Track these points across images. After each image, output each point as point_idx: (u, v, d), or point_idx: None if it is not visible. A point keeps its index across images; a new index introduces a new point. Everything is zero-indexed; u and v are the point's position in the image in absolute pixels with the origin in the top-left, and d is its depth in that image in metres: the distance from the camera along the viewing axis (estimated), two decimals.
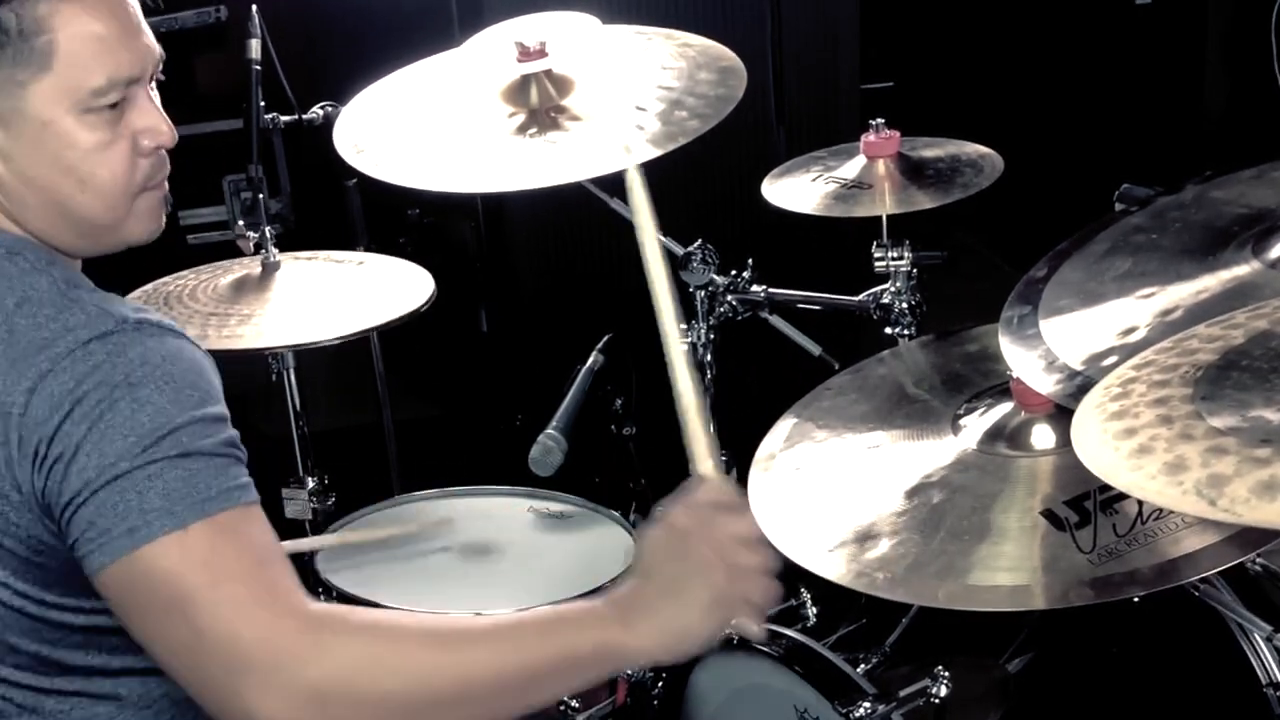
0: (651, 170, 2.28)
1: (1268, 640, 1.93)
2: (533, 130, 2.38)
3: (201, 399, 1.43)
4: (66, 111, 1.50)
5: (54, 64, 1.48)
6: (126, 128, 1.53)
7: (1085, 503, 1.75)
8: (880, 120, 2.45)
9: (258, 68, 2.85)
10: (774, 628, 2.22)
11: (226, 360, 2.28)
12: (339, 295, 2.59)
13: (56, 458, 1.39)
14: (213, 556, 1.38)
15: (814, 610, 2.35)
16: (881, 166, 2.43)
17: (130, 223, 1.57)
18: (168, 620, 1.38)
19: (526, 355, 3.63)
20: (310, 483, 2.82)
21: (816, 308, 2.49)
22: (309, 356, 2.72)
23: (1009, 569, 1.71)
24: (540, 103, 2.41)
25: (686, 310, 2.49)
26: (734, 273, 2.48)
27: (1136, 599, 1.73)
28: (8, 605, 1.47)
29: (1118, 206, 2.11)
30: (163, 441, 1.39)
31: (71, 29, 1.48)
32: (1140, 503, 1.70)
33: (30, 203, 1.52)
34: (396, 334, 2.67)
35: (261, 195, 2.83)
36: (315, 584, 2.43)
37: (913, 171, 2.41)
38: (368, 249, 3.15)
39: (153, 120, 1.55)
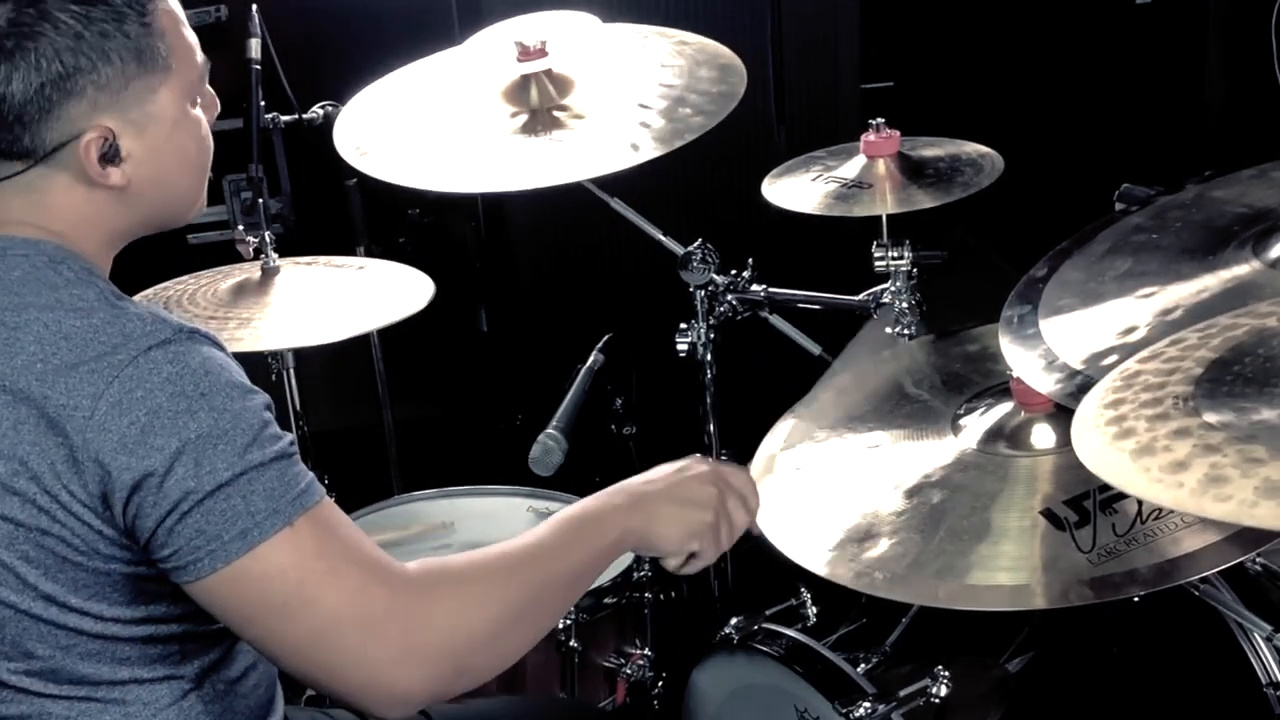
0: (653, 170, 2.30)
1: (1268, 640, 1.93)
2: (537, 128, 2.39)
3: (264, 402, 1.48)
4: (187, 106, 1.59)
5: (173, 63, 1.55)
6: (205, 109, 1.63)
7: (1085, 502, 1.75)
8: (880, 120, 2.44)
9: (258, 68, 2.85)
10: (774, 627, 2.22)
11: None
12: (338, 299, 2.59)
13: (147, 472, 1.41)
14: (322, 546, 1.46)
15: (814, 610, 2.35)
16: (881, 166, 2.42)
17: (201, 201, 1.67)
18: (290, 615, 1.44)
19: (526, 355, 3.63)
20: None
21: (816, 307, 2.49)
22: (309, 357, 2.72)
23: (1009, 568, 1.71)
24: (541, 102, 2.41)
25: (686, 310, 2.50)
26: (734, 272, 2.48)
27: (1136, 598, 1.72)
28: (29, 611, 1.48)
29: (1118, 206, 2.11)
30: (252, 447, 1.44)
31: (174, 26, 1.56)
32: (1139, 502, 1.70)
33: (144, 204, 1.58)
34: (396, 334, 2.67)
35: (262, 196, 2.83)
36: None
37: (913, 171, 2.41)
38: (368, 249, 3.15)
39: (212, 96, 1.65)
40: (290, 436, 1.49)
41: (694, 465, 1.74)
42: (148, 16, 1.52)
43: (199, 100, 1.62)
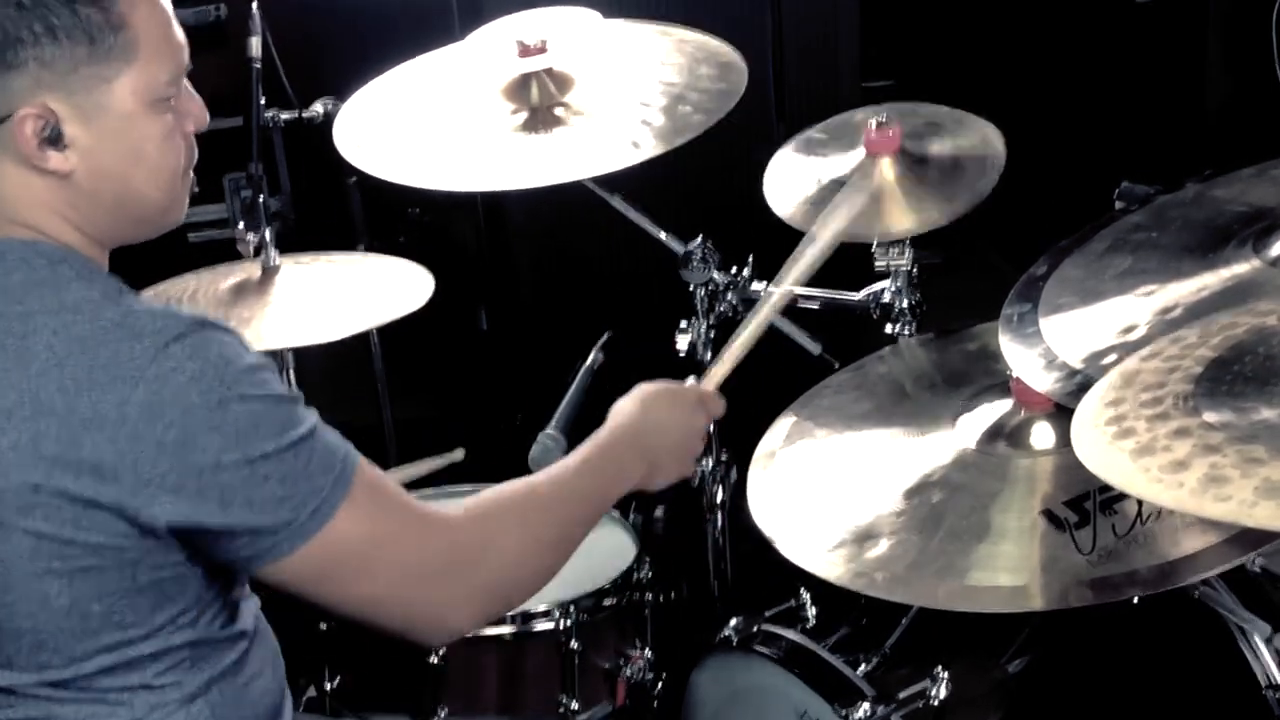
0: (654, 168, 2.30)
1: (1268, 641, 1.93)
2: (537, 126, 2.39)
3: (275, 373, 1.50)
4: (143, 104, 1.53)
5: (137, 57, 1.51)
6: (178, 115, 1.58)
7: (1085, 503, 1.75)
8: (881, 118, 2.43)
9: (258, 66, 2.84)
10: (774, 629, 2.22)
11: None
12: (338, 296, 2.59)
13: (195, 471, 1.42)
14: (379, 507, 1.55)
15: (814, 611, 2.34)
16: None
17: (176, 207, 1.62)
18: (367, 576, 1.53)
19: (526, 355, 3.62)
20: None
21: (816, 306, 2.48)
22: (309, 355, 2.71)
23: (1008, 569, 1.71)
24: (541, 100, 2.41)
25: (686, 309, 2.49)
26: (734, 270, 2.48)
27: (1136, 600, 1.72)
28: (48, 623, 1.48)
29: (1118, 204, 2.11)
30: (290, 424, 1.47)
31: (149, 22, 1.52)
32: (1139, 503, 1.69)
33: (100, 199, 1.54)
34: (396, 332, 2.67)
35: (262, 194, 2.83)
36: None
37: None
38: (368, 247, 3.15)
39: (198, 105, 1.61)
40: (312, 407, 1.53)
41: (682, 397, 1.90)
42: (106, 2, 1.48)
43: (171, 102, 1.56)
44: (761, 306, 2.03)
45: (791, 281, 2.01)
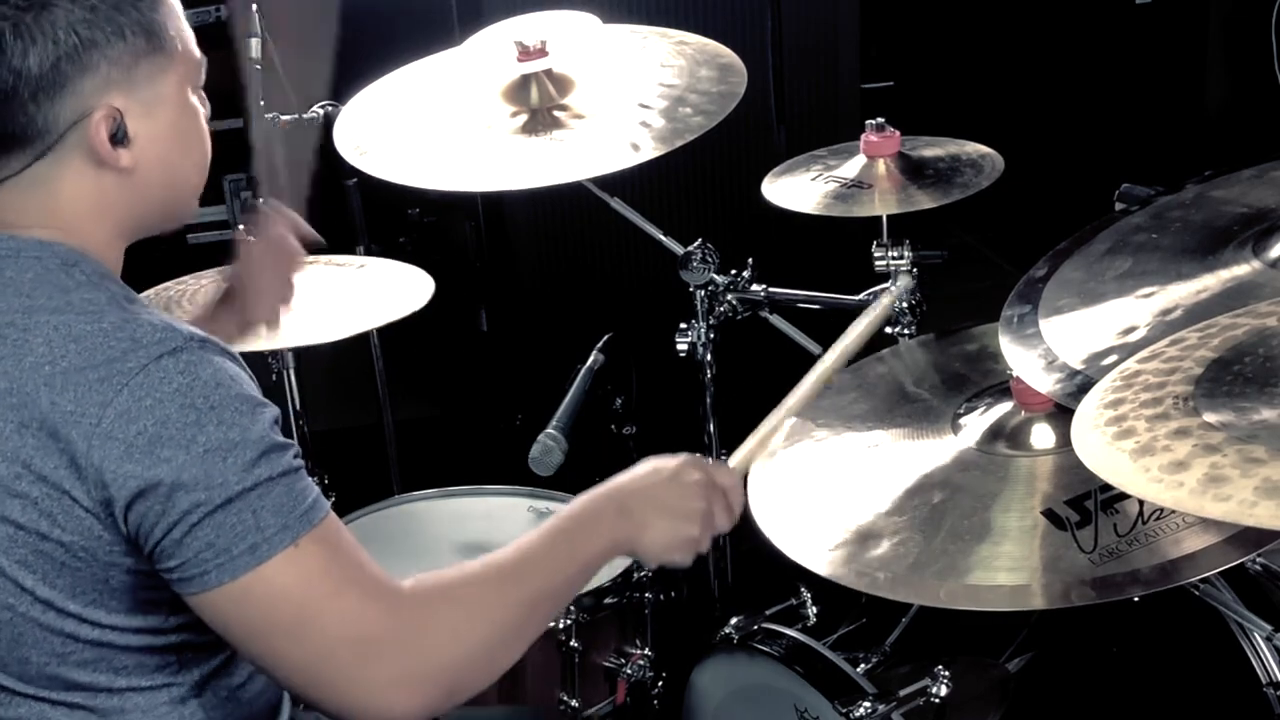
0: (653, 170, 2.30)
1: (1268, 640, 1.93)
2: (537, 128, 2.39)
3: (273, 416, 1.47)
4: (190, 92, 1.58)
5: (178, 49, 1.55)
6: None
7: (1086, 502, 1.75)
8: (880, 120, 2.44)
9: (258, 67, 2.84)
10: (774, 627, 2.22)
11: None
12: (339, 299, 2.59)
13: (152, 482, 1.41)
14: (327, 566, 1.46)
15: (814, 610, 2.35)
16: (881, 166, 2.42)
17: (198, 195, 1.66)
18: (293, 636, 1.44)
19: (526, 355, 3.63)
20: None
21: (816, 307, 2.49)
22: (309, 357, 2.72)
23: (1009, 568, 1.71)
24: (541, 102, 2.42)
25: (686, 310, 2.50)
26: (734, 272, 2.48)
27: (1137, 599, 1.72)
28: (26, 616, 1.48)
29: (1118, 206, 2.11)
30: (260, 461, 1.43)
31: (176, 16, 1.56)
32: (1141, 502, 1.70)
33: (152, 191, 1.57)
34: (396, 334, 2.68)
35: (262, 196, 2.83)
36: None
37: (913, 171, 2.41)
38: (368, 249, 3.15)
39: (203, 94, 1.64)
40: (296, 449, 1.48)
41: (687, 471, 1.72)
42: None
43: (196, 87, 1.60)
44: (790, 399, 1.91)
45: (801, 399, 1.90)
